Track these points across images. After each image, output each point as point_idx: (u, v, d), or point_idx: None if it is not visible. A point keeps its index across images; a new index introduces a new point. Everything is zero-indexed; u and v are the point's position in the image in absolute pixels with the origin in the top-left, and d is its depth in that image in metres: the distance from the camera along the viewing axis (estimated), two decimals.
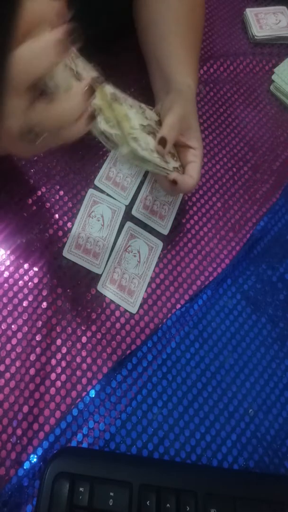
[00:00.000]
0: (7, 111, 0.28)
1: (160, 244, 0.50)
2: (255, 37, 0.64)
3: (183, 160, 0.45)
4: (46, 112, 0.29)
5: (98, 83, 0.34)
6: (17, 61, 0.26)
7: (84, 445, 0.41)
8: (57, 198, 0.50)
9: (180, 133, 0.43)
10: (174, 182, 0.41)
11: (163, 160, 0.41)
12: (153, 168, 0.40)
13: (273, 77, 0.61)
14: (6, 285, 0.45)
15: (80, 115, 0.30)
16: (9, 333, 0.44)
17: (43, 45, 0.27)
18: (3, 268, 0.46)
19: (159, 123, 0.45)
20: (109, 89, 0.37)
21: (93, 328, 0.45)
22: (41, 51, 0.27)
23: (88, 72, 0.33)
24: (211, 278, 0.49)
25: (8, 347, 0.43)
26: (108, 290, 0.47)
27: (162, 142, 0.40)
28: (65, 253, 0.48)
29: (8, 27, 0.22)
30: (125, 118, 0.38)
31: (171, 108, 0.42)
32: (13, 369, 0.42)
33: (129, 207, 0.51)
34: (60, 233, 0.49)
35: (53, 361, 0.43)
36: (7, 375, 0.42)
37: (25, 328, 0.44)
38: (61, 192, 0.51)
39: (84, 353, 0.44)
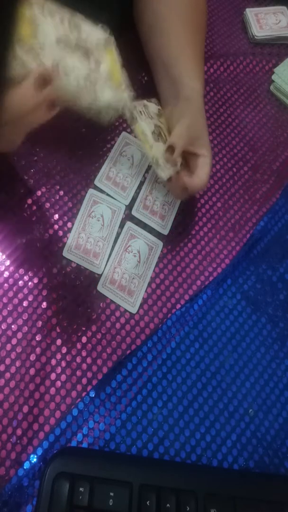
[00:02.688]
0: None
1: (160, 244, 0.50)
2: (255, 37, 0.64)
3: (192, 166, 0.47)
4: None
5: (109, 45, 0.36)
6: None
7: (84, 445, 0.41)
8: (57, 198, 0.50)
9: (189, 143, 0.44)
10: (185, 189, 0.45)
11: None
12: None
13: (273, 77, 0.61)
14: (6, 285, 0.45)
15: (37, 104, 0.32)
16: (9, 333, 0.44)
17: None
18: (3, 268, 0.46)
19: (160, 114, 0.47)
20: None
21: (93, 328, 0.45)
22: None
23: (95, 32, 0.35)
24: (211, 278, 0.49)
25: (8, 347, 0.43)
26: (108, 290, 0.47)
27: (170, 149, 0.44)
28: (65, 253, 0.48)
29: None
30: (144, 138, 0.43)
31: (180, 118, 0.44)
32: (13, 369, 0.42)
33: (129, 207, 0.51)
34: (60, 233, 0.49)
35: (53, 361, 0.43)
36: (7, 375, 0.42)
37: (25, 328, 0.44)
38: (61, 192, 0.51)
39: (84, 353, 0.44)
